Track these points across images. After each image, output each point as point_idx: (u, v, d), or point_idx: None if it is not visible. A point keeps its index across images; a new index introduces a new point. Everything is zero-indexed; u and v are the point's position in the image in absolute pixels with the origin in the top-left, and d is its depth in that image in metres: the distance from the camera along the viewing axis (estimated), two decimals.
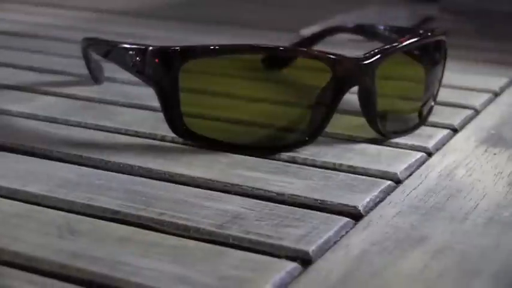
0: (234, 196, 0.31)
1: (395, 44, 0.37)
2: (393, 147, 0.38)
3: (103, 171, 0.33)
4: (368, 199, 0.31)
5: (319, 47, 0.46)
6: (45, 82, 0.48)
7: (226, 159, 0.35)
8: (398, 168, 0.35)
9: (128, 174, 0.33)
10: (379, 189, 0.32)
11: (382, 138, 0.38)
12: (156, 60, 0.35)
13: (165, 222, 0.29)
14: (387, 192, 0.32)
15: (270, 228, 0.28)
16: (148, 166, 0.34)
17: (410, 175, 0.34)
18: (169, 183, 0.32)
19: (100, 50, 0.40)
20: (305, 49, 0.35)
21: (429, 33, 0.40)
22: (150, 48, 0.35)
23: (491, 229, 0.29)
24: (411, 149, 0.37)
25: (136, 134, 0.39)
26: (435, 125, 0.41)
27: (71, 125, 0.40)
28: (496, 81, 0.50)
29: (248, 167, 0.34)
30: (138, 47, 0.35)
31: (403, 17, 0.73)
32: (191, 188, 0.32)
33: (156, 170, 0.34)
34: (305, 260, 0.26)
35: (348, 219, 0.29)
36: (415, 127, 0.40)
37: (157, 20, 0.73)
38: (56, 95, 0.45)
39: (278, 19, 0.75)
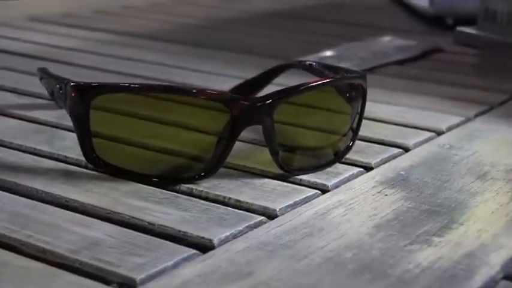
0: (106, 223, 0.34)
1: (299, 86, 0.39)
2: (294, 183, 0.40)
3: (5, 193, 0.37)
4: (228, 233, 0.34)
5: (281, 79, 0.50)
6: (19, 104, 0.52)
7: (126, 188, 0.38)
8: (280, 204, 0.37)
9: (28, 198, 0.37)
10: (246, 225, 0.35)
11: (287, 175, 0.41)
12: (72, 94, 0.39)
13: (30, 245, 0.32)
14: (253, 227, 0.35)
15: (115, 256, 0.31)
16: (51, 191, 0.37)
17: (287, 212, 0.36)
18: (56, 208, 0.36)
19: (44, 82, 0.44)
20: (205, 90, 0.37)
21: (346, 75, 0.42)
22: (71, 83, 0.39)
23: (320, 269, 0.31)
24: (309, 186, 0.40)
25: (65, 160, 0.42)
26: (352, 163, 0.43)
27: (12, 148, 0.43)
28: (449, 120, 0.52)
29: (141, 196, 0.37)
30: (61, 81, 0.39)
31: (412, 47, 0.74)
32: (74, 213, 0.35)
33: (56, 195, 0.37)
34: (125, 285, 0.29)
35: (194, 251, 0.32)
36: (329, 164, 0.42)
37: (172, 44, 0.76)
38: (20, 118, 0.49)
39: (282, 46, 0.78)
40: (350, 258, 0.32)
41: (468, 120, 0.52)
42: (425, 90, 0.60)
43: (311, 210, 0.36)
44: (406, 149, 0.46)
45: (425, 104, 0.56)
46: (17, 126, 0.47)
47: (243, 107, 0.38)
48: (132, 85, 0.38)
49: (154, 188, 0.38)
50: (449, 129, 0.50)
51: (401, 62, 0.70)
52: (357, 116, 0.43)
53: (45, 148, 0.43)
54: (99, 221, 0.34)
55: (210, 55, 0.71)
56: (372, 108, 0.53)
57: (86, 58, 0.68)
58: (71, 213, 0.35)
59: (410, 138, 0.48)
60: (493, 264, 0.32)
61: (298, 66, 0.50)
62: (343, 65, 0.67)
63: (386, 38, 0.78)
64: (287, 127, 0.41)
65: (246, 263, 0.31)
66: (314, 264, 0.31)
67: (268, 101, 0.38)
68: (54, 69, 0.62)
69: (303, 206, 0.37)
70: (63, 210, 0.35)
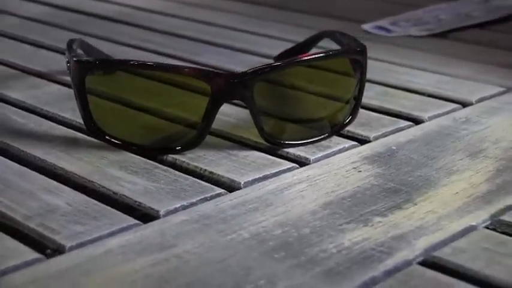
0: (74, 192, 0.37)
1: (282, 61, 0.41)
2: (278, 156, 0.41)
3: (3, 158, 0.41)
4: (178, 205, 0.36)
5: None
6: None
7: (115, 157, 0.41)
8: (249, 177, 0.39)
9: (22, 164, 0.40)
10: (201, 197, 0.36)
11: (277, 147, 0.42)
12: (73, 68, 0.42)
13: None
14: (208, 199, 0.36)
15: (61, 223, 0.34)
16: (46, 158, 0.41)
17: (251, 185, 0.38)
18: (40, 175, 0.39)
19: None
20: (187, 67, 0.39)
21: (342, 51, 0.43)
22: (74, 58, 0.42)
23: (240, 245, 0.32)
24: (291, 160, 0.41)
25: (79, 128, 0.45)
26: (351, 136, 0.44)
27: (37, 114, 0.47)
28: (485, 91, 0.51)
29: (122, 166, 0.40)
30: (70, 57, 0.42)
31: (481, 11, 0.72)
32: (52, 181, 0.38)
33: (49, 162, 0.40)
34: (57, 251, 0.32)
35: (136, 221, 0.34)
36: (323, 137, 0.43)
37: (254, 5, 0.78)
38: (62, 84, 0.53)
39: (350, 8, 0.77)
40: (276, 236, 0.33)
41: (504, 92, 0.51)
42: (484, 58, 0.59)
43: (273, 185, 0.38)
44: (418, 122, 0.46)
45: (474, 73, 0.55)
46: (55, 92, 0.51)
47: (221, 82, 0.39)
48: (125, 62, 0.41)
49: (141, 158, 0.41)
50: (479, 101, 0.50)
51: (482, 25, 0.69)
52: (357, 90, 0.43)
53: (67, 115, 0.47)
54: (70, 189, 0.37)
55: (287, 18, 0.72)
56: (411, 77, 0.53)
57: (163, 22, 0.71)
58: (49, 180, 0.38)
59: (430, 110, 0.48)
60: (417, 247, 0.32)
61: (329, 36, 0.51)
62: (415, 28, 0.66)
63: (451, 3, 0.76)
64: (279, 100, 0.42)
65: (174, 236, 0.33)
66: (237, 240, 0.33)
67: (246, 77, 0.39)
68: (129, 33, 0.66)
69: (269, 180, 0.38)
70: (44, 177, 0.38)
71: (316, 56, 0.42)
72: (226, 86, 0.39)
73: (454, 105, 0.49)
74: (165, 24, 0.70)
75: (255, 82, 0.40)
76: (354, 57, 0.42)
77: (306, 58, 0.41)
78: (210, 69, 0.41)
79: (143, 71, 0.41)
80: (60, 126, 0.45)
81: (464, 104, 0.49)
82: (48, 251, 0.32)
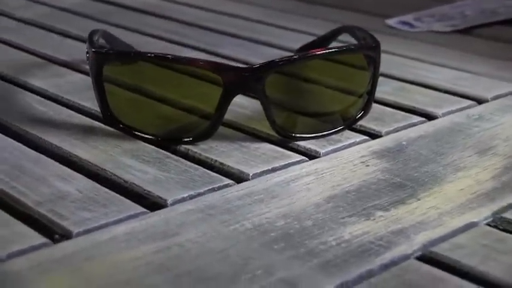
0: (86, 179, 0.38)
1: (295, 55, 0.41)
2: (289, 149, 0.42)
3: (20, 145, 0.42)
4: (186, 194, 0.37)
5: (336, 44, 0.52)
6: None
7: (129, 146, 0.42)
8: (258, 169, 0.39)
9: (38, 151, 0.41)
10: (209, 187, 0.37)
11: (288, 140, 0.43)
12: (91, 58, 0.43)
13: (8, 195, 0.36)
14: (215, 189, 0.37)
15: (70, 210, 0.35)
16: (62, 145, 0.42)
17: (259, 176, 0.39)
18: (55, 162, 0.40)
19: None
20: (198, 59, 0.40)
21: (356, 47, 0.43)
22: (92, 49, 0.43)
23: (241, 235, 0.33)
24: (301, 153, 0.42)
25: (97, 117, 0.46)
26: (363, 130, 0.45)
27: (58, 102, 0.48)
28: (502, 89, 0.51)
29: (135, 155, 0.41)
30: (89, 47, 0.43)
31: (507, 7, 0.72)
32: (66, 168, 0.39)
33: (64, 149, 0.41)
34: (64, 236, 0.33)
35: (143, 209, 0.35)
36: (335, 131, 0.43)
37: None
38: (86, 73, 0.54)
39: (376, 3, 0.77)
40: (279, 227, 0.34)
41: None
42: (504, 55, 0.59)
43: (281, 177, 0.38)
44: (432, 118, 0.46)
45: (492, 70, 0.55)
46: (77, 81, 0.52)
47: (233, 75, 0.40)
48: (141, 54, 0.42)
49: (154, 148, 0.41)
50: (495, 98, 0.50)
51: (507, 22, 0.68)
52: (370, 85, 0.44)
53: (87, 104, 0.48)
54: (82, 176, 0.38)
55: (312, 12, 0.73)
56: (429, 72, 0.54)
57: (189, 13, 0.72)
58: (63, 167, 0.39)
59: (444, 106, 0.48)
60: (416, 242, 0.32)
61: (348, 31, 0.51)
62: (439, 24, 0.66)
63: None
64: (292, 93, 0.43)
65: (179, 225, 0.34)
66: (240, 230, 0.33)
67: (257, 70, 0.40)
68: (154, 24, 0.67)
69: (277, 172, 0.39)
70: (59, 164, 0.40)
71: (330, 50, 0.43)
72: (238, 79, 0.40)
73: (469, 102, 0.49)
74: (190, 16, 0.71)
75: (267, 75, 0.40)
76: (368, 53, 0.42)
77: (319, 53, 0.41)
78: (223, 62, 0.42)
79: (159, 62, 0.41)
80: (79, 115, 0.46)
81: (480, 101, 0.49)
82: (56, 236, 0.33)
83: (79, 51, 0.58)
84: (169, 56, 0.41)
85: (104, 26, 0.66)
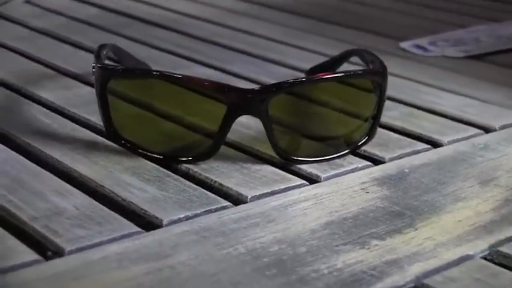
0: (84, 195, 0.38)
1: (300, 79, 0.41)
2: (290, 172, 0.42)
3: (22, 158, 0.42)
4: (182, 215, 0.36)
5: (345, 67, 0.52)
6: None
7: (130, 163, 0.42)
8: (257, 192, 0.39)
9: (39, 165, 0.41)
10: (206, 209, 0.37)
11: (290, 163, 0.43)
12: (97, 73, 0.43)
13: (4, 208, 0.36)
14: (212, 211, 0.37)
15: (65, 226, 0.35)
16: (63, 160, 0.42)
17: (258, 199, 0.39)
18: (54, 177, 0.40)
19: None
20: (202, 79, 0.40)
21: (363, 72, 0.43)
22: (98, 65, 0.43)
23: (234, 260, 0.33)
24: (302, 176, 0.41)
25: (101, 132, 0.46)
26: (367, 155, 0.44)
27: (64, 115, 0.48)
28: (510, 117, 0.51)
29: (135, 172, 0.41)
30: (94, 63, 0.43)
31: None
32: (64, 183, 0.39)
33: (65, 164, 0.42)
34: (56, 254, 0.33)
35: (138, 229, 0.35)
36: (338, 156, 0.43)
37: (295, 16, 0.78)
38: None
39: (391, 24, 0.77)
40: (272, 253, 0.33)
41: None
42: None
43: (279, 201, 0.38)
44: (437, 146, 0.46)
45: (502, 98, 0.55)
46: (85, 94, 0.52)
47: (237, 97, 0.40)
48: (146, 72, 0.42)
49: (154, 166, 0.41)
50: (503, 128, 0.49)
51: None
52: (376, 110, 0.43)
53: (92, 118, 0.48)
54: (80, 192, 0.38)
55: (326, 32, 0.72)
56: (438, 98, 0.54)
57: (204, 28, 0.72)
58: (62, 182, 0.39)
59: (450, 134, 0.48)
60: (409, 274, 0.32)
61: (357, 54, 0.51)
62: (452, 49, 0.66)
63: (490, 25, 0.76)
64: (295, 116, 0.43)
65: (172, 247, 0.34)
66: (233, 254, 0.33)
67: (261, 93, 0.40)
68: (166, 38, 0.67)
69: (276, 195, 0.39)
70: (58, 179, 0.40)
71: (335, 75, 0.42)
72: (242, 101, 0.40)
73: (476, 131, 0.49)
74: (204, 31, 0.71)
75: (270, 98, 0.40)
76: (374, 79, 0.42)
77: (324, 77, 0.41)
78: (230, 82, 0.42)
79: (163, 80, 0.41)
80: (83, 129, 0.46)
81: (487, 130, 0.49)
82: (49, 253, 0.33)
83: (90, 64, 0.58)
84: (173, 75, 0.41)
85: (118, 38, 0.66)
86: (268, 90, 0.40)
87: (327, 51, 0.63)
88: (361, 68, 0.45)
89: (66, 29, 0.70)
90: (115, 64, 0.46)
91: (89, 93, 0.52)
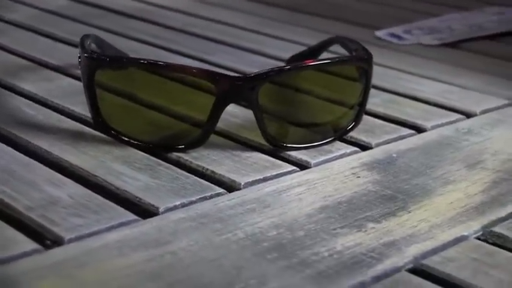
0: (77, 185, 0.38)
1: (289, 65, 0.41)
2: (280, 159, 0.42)
3: (11, 149, 0.41)
4: (178, 202, 0.37)
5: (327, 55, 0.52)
6: None
7: (120, 153, 0.42)
8: (249, 178, 0.39)
9: (28, 155, 0.41)
10: (201, 196, 0.37)
11: (280, 150, 0.43)
12: (83, 63, 0.43)
13: None
14: (207, 198, 0.37)
15: (61, 215, 0.35)
16: (52, 150, 0.42)
17: (251, 186, 0.39)
18: (45, 167, 0.40)
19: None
20: (192, 67, 0.40)
21: (349, 58, 0.44)
22: (85, 54, 0.43)
23: (234, 245, 0.33)
24: (292, 163, 0.42)
25: (87, 122, 0.46)
26: (353, 142, 0.45)
27: (48, 107, 0.48)
28: (491, 103, 0.51)
29: (126, 161, 0.41)
30: (81, 53, 0.43)
31: (494, 22, 0.73)
32: (55, 173, 0.39)
33: (54, 154, 0.41)
34: (56, 243, 0.32)
35: (135, 217, 0.35)
36: (326, 142, 0.44)
37: (269, 7, 0.78)
38: (76, 78, 0.54)
39: (366, 14, 0.78)
40: (271, 237, 0.34)
41: (509, 104, 0.52)
42: (493, 70, 0.59)
43: (273, 187, 0.38)
44: (421, 131, 0.46)
45: (481, 84, 0.55)
46: (67, 86, 0.52)
47: (226, 84, 0.40)
48: (134, 60, 0.41)
49: (145, 155, 0.41)
50: (484, 112, 0.50)
51: (494, 36, 0.69)
52: (362, 97, 0.44)
53: (77, 109, 0.48)
54: (73, 182, 0.38)
55: (301, 21, 0.73)
56: (418, 85, 0.54)
57: (177, 19, 0.72)
58: (54, 172, 0.39)
59: (433, 119, 0.48)
60: (407, 255, 0.33)
61: (339, 42, 0.51)
62: (427, 37, 0.67)
63: (494, 9, 0.77)
64: (284, 103, 0.43)
65: (171, 233, 0.34)
66: (232, 240, 0.33)
67: (250, 80, 0.40)
68: (142, 29, 0.67)
69: (269, 181, 0.39)
70: (49, 169, 0.39)
71: (323, 62, 0.43)
72: (231, 88, 0.40)
73: (458, 116, 0.49)
74: (178, 22, 0.71)
75: (260, 85, 0.40)
76: (360, 65, 0.43)
77: (312, 63, 0.42)
78: (216, 70, 0.42)
79: (152, 69, 0.41)
80: (69, 120, 0.46)
81: (469, 115, 0.49)
82: (48, 242, 0.33)
83: (69, 55, 0.58)
84: (162, 63, 0.41)
85: (92, 29, 0.66)
86: (259, 77, 0.40)
87: (304, 41, 0.64)
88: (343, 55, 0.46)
89: (39, 21, 0.70)
90: (102, 53, 0.46)
91: (71, 84, 0.52)
